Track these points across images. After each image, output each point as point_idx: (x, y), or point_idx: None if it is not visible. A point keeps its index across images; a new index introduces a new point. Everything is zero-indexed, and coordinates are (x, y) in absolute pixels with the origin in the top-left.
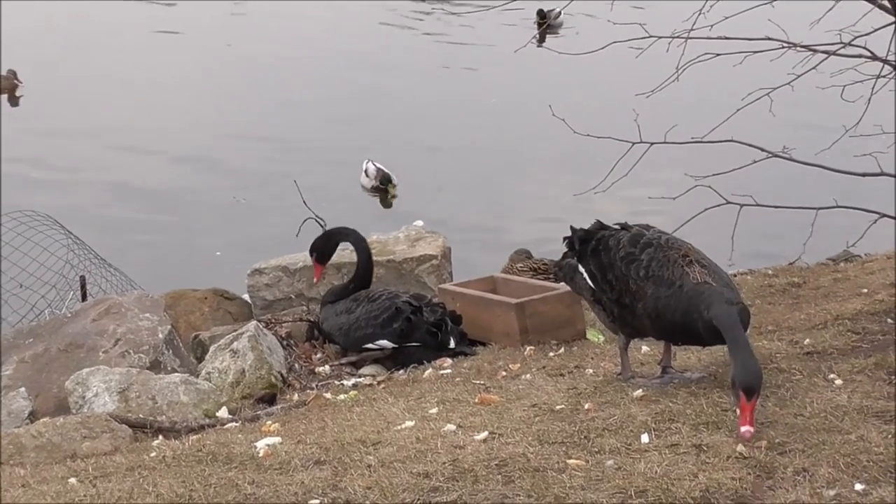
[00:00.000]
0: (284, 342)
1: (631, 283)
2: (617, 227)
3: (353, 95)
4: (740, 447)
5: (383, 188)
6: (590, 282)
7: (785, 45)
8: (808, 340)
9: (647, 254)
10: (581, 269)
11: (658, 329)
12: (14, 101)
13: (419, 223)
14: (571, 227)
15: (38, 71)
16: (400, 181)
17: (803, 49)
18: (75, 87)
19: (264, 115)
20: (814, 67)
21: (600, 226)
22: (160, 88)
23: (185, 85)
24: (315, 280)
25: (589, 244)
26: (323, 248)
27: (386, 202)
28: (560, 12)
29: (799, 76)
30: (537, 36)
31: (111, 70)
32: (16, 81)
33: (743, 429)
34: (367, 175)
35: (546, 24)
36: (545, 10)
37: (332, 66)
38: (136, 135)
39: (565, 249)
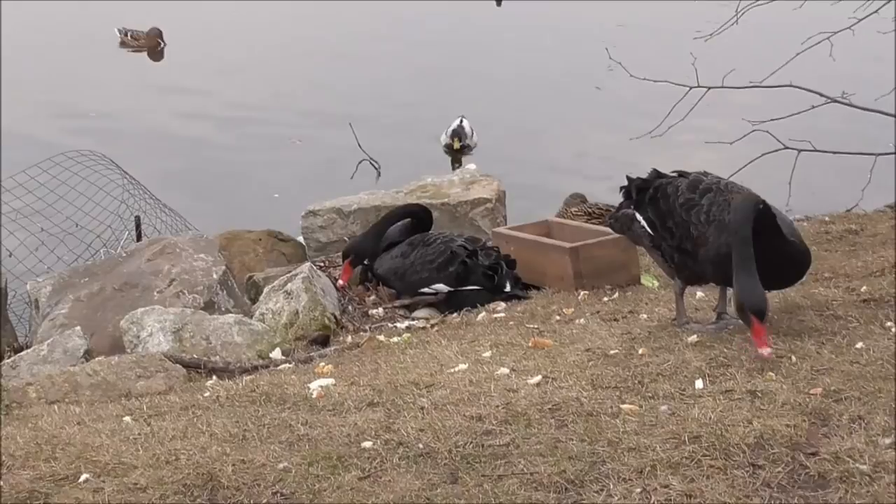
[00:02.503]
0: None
1: (692, 229)
2: (674, 174)
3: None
4: (790, 397)
5: (457, 147)
6: (649, 229)
7: None
8: (864, 288)
9: (708, 199)
10: (639, 217)
11: (721, 274)
12: (157, 56)
13: (472, 166)
14: (627, 177)
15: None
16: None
17: None
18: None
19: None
20: (875, 11)
21: (657, 174)
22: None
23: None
24: (341, 283)
25: (647, 192)
26: (364, 252)
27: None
28: None
29: (860, 20)
30: None
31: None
32: (158, 40)
33: (764, 351)
34: (446, 134)
35: None
36: None
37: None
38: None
39: (621, 199)
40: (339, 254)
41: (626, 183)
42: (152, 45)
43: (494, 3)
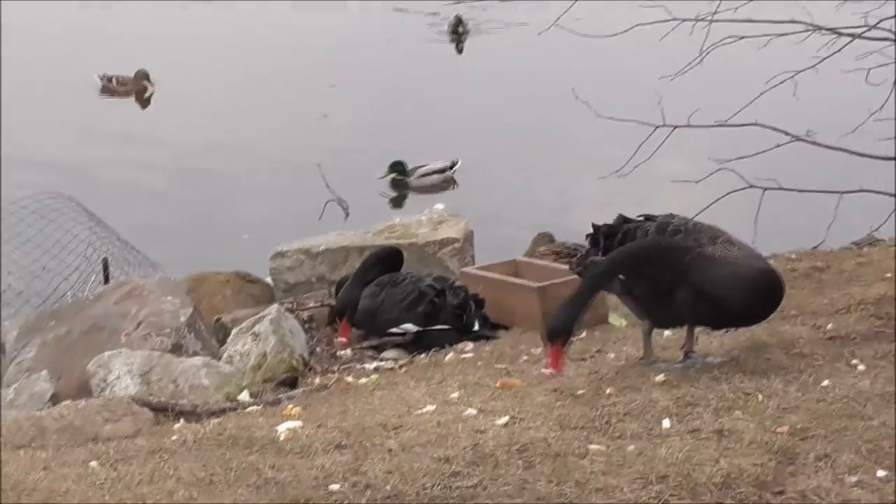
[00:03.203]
0: (306, 325)
1: (665, 272)
2: (640, 218)
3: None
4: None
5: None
6: (620, 275)
7: (810, 27)
8: (831, 325)
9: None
10: None
11: (697, 314)
12: (143, 103)
13: (440, 206)
14: (593, 224)
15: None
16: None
17: (828, 32)
18: None
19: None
20: (838, 50)
21: (623, 219)
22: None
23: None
24: (344, 340)
25: (614, 238)
26: (357, 306)
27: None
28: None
29: (823, 59)
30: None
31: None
32: (145, 83)
33: (543, 370)
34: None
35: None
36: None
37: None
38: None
39: (587, 246)
40: (307, 295)
41: (591, 229)
42: (139, 89)
43: (455, 50)
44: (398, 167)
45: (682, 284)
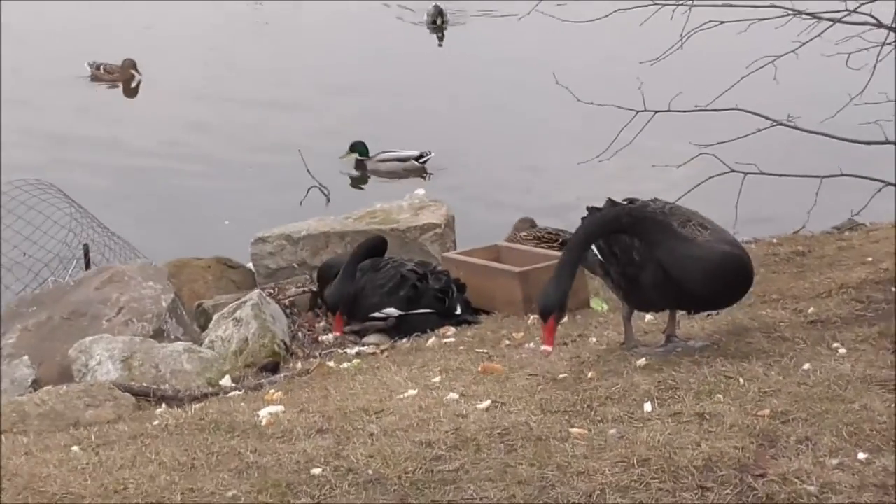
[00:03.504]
0: (288, 311)
1: (634, 254)
2: (625, 202)
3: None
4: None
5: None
6: (599, 256)
7: (790, 12)
8: (812, 309)
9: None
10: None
11: (664, 298)
12: (131, 92)
13: (421, 192)
14: (587, 207)
15: None
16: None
17: (808, 16)
18: None
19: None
20: (819, 35)
21: (612, 203)
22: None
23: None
24: (336, 333)
25: None
26: (349, 299)
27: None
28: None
29: (804, 44)
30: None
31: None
32: (132, 72)
33: (545, 348)
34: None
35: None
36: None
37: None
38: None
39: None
40: (288, 280)
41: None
42: (126, 77)
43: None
44: (358, 147)
45: (650, 263)
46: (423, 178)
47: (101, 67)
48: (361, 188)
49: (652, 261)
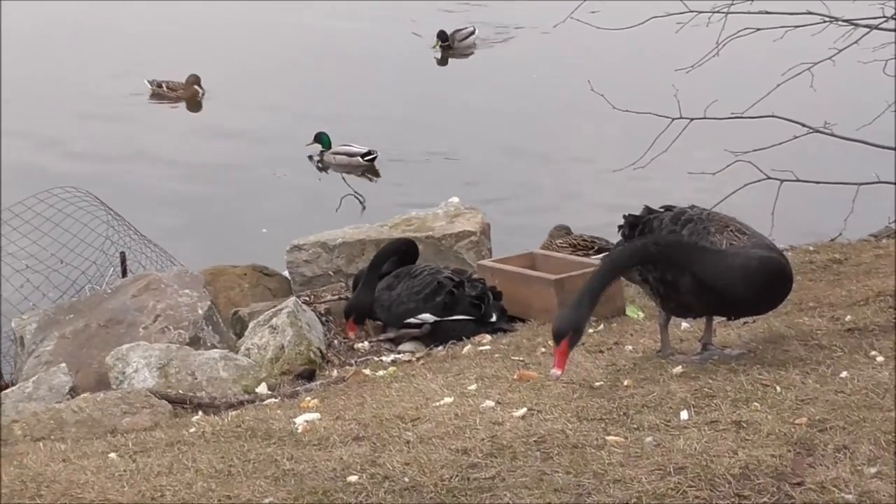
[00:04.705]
0: (324, 318)
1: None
2: (662, 209)
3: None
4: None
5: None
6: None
7: (826, 19)
8: (849, 317)
9: (688, 229)
10: None
11: (702, 304)
12: (195, 106)
13: (455, 199)
14: (624, 216)
15: None
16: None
17: (845, 23)
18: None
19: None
20: (855, 42)
21: (649, 210)
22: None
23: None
24: (349, 334)
25: (637, 228)
26: (365, 308)
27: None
28: (470, 33)
29: (840, 51)
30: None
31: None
32: (196, 87)
33: (551, 370)
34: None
35: (448, 45)
36: (447, 32)
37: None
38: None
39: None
40: (324, 288)
41: (606, 222)
42: (191, 94)
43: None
44: (321, 138)
45: (687, 275)
46: (371, 179)
47: (164, 85)
48: (327, 173)
49: (689, 274)
